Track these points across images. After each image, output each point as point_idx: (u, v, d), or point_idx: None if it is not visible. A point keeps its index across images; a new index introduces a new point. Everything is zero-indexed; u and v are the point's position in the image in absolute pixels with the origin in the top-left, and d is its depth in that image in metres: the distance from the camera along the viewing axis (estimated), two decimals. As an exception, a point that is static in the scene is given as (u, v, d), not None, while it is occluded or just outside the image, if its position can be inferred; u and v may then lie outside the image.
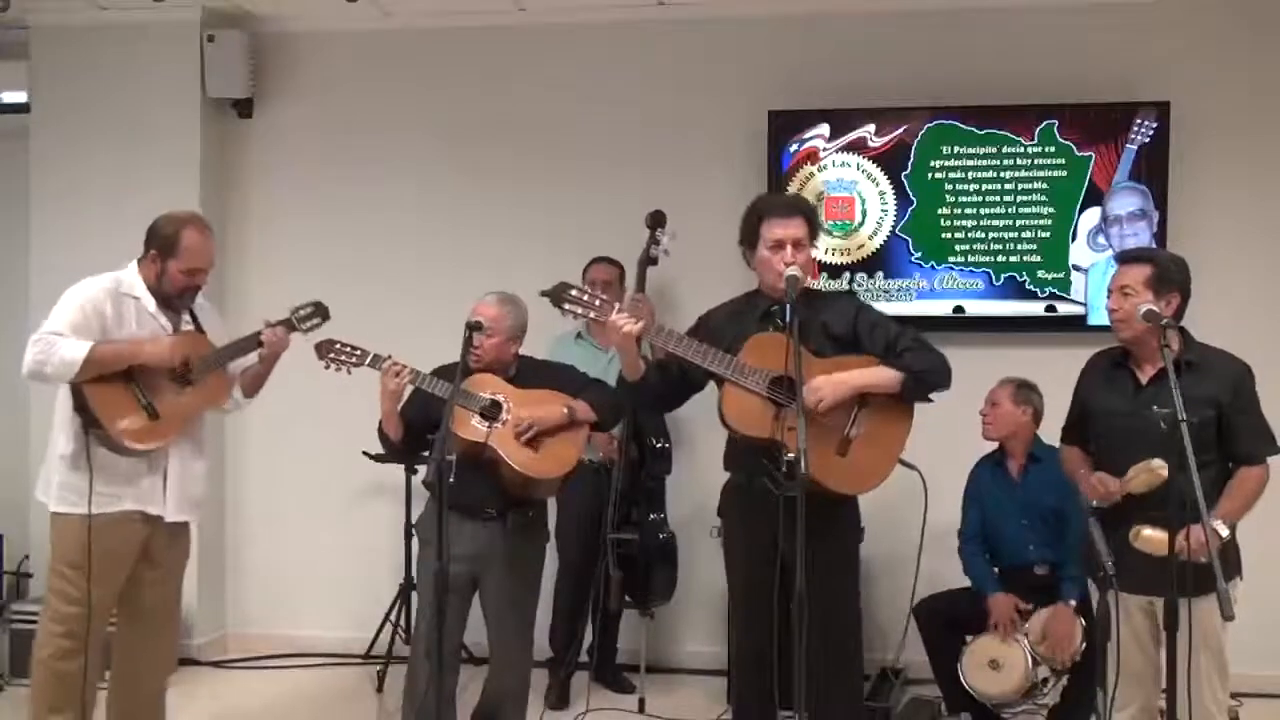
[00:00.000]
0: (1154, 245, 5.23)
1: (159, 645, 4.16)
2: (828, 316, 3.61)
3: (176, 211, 4.03)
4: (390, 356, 4.06)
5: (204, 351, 3.98)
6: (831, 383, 3.46)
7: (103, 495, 3.85)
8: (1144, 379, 3.54)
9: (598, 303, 3.51)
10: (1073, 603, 4.34)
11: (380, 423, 4.13)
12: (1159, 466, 3.28)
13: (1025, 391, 4.66)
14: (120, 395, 3.82)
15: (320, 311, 4.23)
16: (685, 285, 5.49)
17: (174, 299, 3.97)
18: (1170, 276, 3.52)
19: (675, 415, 5.25)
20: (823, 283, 5.52)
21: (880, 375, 3.52)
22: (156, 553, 4.03)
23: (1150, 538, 3.25)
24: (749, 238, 3.64)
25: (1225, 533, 3.36)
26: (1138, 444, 3.40)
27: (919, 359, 3.55)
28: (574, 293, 3.50)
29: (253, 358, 4.15)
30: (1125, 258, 3.67)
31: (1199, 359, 3.47)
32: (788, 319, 3.36)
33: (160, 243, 3.92)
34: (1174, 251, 5.21)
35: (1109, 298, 3.59)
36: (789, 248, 3.54)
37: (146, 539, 3.98)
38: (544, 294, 3.53)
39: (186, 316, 4.05)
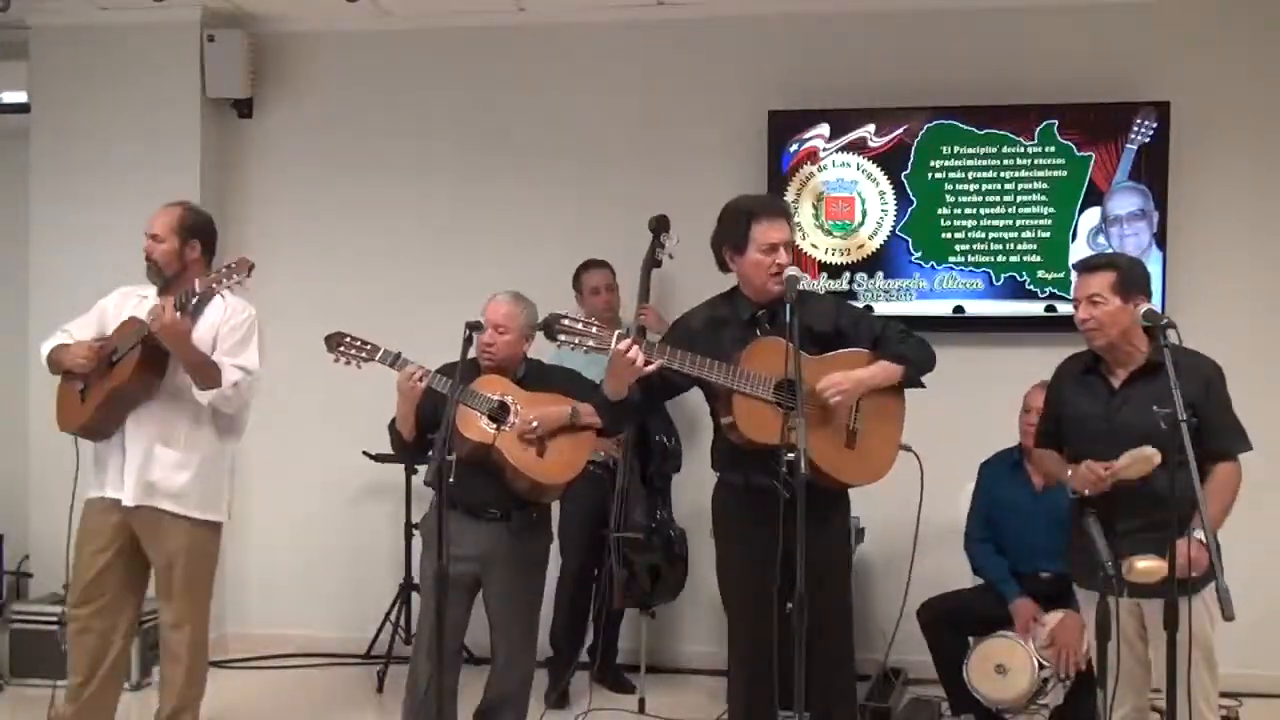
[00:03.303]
0: (1154, 245, 5.25)
1: (170, 652, 4.11)
2: (809, 319, 3.57)
3: None
4: (400, 353, 4.05)
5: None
6: (850, 379, 3.49)
7: (89, 482, 4.05)
8: (1116, 383, 3.56)
9: (594, 330, 3.38)
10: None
11: (393, 421, 4.12)
12: (1152, 454, 3.29)
13: None
14: (70, 384, 4.04)
15: (191, 294, 3.84)
16: (684, 285, 5.47)
17: (154, 276, 4.01)
18: (1134, 279, 3.54)
19: (677, 413, 5.27)
20: (823, 282, 5.53)
21: (886, 371, 3.57)
22: (142, 540, 4.03)
23: (1145, 569, 3.21)
24: (736, 239, 3.57)
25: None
26: (1117, 446, 3.42)
27: (912, 349, 3.62)
28: (567, 322, 3.37)
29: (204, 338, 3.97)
30: (1086, 266, 3.65)
31: (1172, 360, 3.46)
32: (789, 319, 3.35)
33: None
34: (1174, 251, 5.27)
35: (1077, 308, 3.58)
36: (782, 250, 3.54)
37: (123, 525, 4.01)
38: (536, 327, 3.51)
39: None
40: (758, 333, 3.57)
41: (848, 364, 3.57)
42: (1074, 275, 3.72)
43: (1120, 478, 3.40)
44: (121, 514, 3.99)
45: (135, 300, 4.05)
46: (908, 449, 3.74)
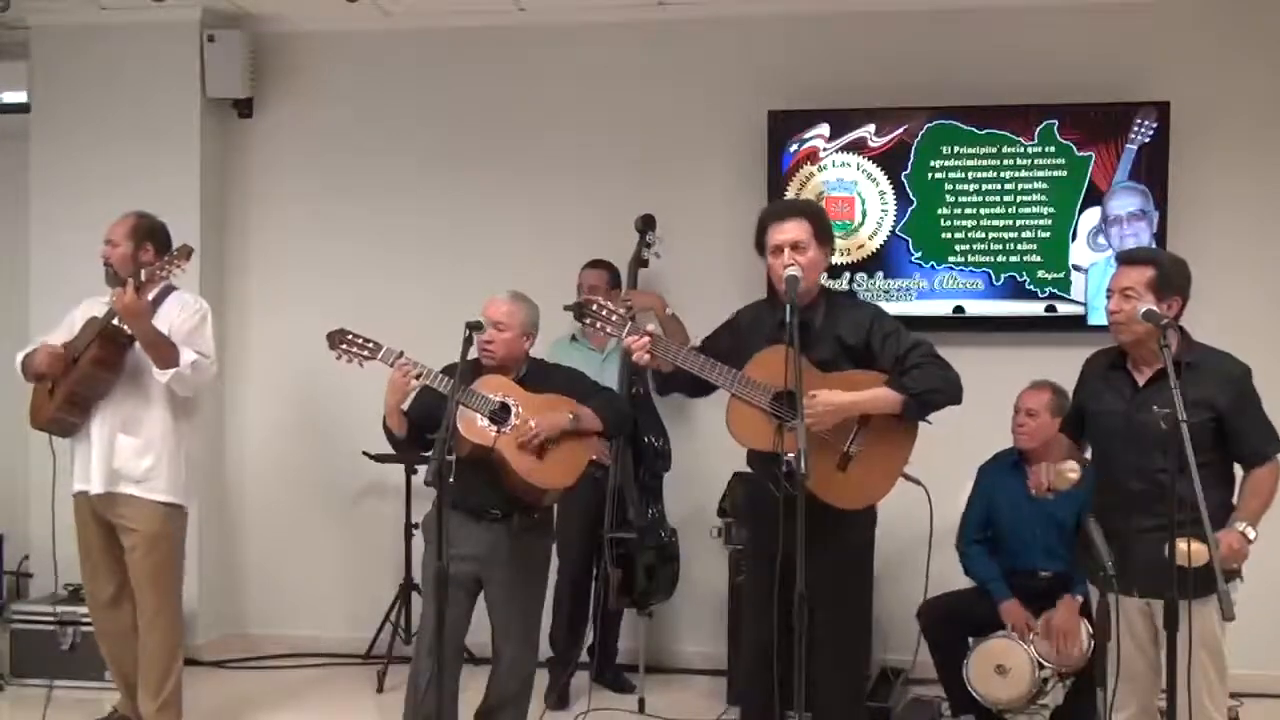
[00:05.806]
0: (1154, 245, 5.23)
1: (142, 638, 4.34)
2: (843, 327, 3.62)
3: None
4: (402, 352, 4.04)
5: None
6: (829, 402, 3.47)
7: (72, 477, 4.33)
8: (1141, 381, 3.52)
9: (614, 318, 3.66)
10: (1079, 597, 4.32)
11: (384, 417, 4.12)
12: (1069, 470, 3.50)
13: (1061, 400, 4.43)
14: (42, 385, 4.34)
15: (139, 278, 4.14)
16: (686, 284, 5.49)
17: (112, 279, 4.24)
18: (1172, 280, 3.48)
19: (675, 412, 5.27)
20: (823, 283, 5.51)
21: (880, 397, 3.53)
22: (117, 526, 4.29)
23: (1194, 553, 3.13)
24: (760, 248, 3.71)
25: (1253, 535, 3.35)
26: (1134, 445, 3.42)
27: (923, 379, 3.54)
28: (595, 308, 3.68)
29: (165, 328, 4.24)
30: (1127, 259, 3.61)
31: (1198, 360, 3.43)
32: (789, 318, 3.37)
33: None
34: (1174, 252, 5.26)
35: (1109, 299, 3.54)
36: (786, 250, 3.56)
37: (99, 514, 4.29)
38: (568, 308, 3.84)
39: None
40: (784, 337, 3.58)
41: (856, 385, 3.55)
42: (1114, 265, 3.66)
43: (1053, 487, 3.55)
44: (94, 504, 4.28)
45: (100, 307, 4.25)
46: (915, 481, 3.72)
